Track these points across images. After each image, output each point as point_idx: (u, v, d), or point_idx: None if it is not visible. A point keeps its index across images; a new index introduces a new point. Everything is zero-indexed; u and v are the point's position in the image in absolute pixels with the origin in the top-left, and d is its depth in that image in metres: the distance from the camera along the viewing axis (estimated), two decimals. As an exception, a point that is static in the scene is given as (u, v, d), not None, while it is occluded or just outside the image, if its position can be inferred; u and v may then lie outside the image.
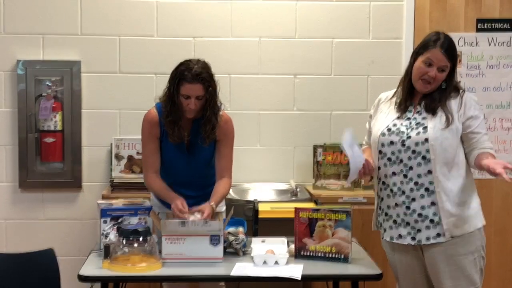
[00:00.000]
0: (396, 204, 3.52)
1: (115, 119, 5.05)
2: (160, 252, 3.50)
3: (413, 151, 3.45)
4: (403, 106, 3.56)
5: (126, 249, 3.43)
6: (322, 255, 3.55)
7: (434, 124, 3.44)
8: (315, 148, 4.97)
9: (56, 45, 5.00)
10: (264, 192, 4.84)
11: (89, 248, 3.84)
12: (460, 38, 5.11)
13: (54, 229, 5.04)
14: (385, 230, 3.57)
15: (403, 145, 3.48)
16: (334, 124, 5.13)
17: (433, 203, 3.43)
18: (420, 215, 3.45)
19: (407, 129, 3.49)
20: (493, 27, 5.13)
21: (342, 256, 3.52)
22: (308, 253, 3.58)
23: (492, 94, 5.14)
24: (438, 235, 3.42)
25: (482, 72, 5.13)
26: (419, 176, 3.44)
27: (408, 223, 3.48)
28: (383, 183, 3.57)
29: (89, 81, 5.03)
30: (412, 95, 3.57)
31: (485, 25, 5.13)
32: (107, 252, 3.44)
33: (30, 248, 4.08)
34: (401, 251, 3.56)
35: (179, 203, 3.66)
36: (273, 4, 5.09)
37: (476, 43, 5.14)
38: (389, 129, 3.54)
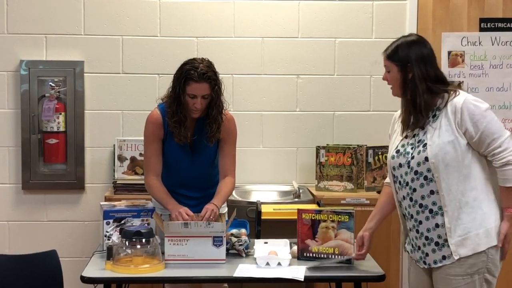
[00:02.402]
0: (410, 229, 3.39)
1: (118, 120, 5.05)
2: (162, 253, 3.50)
3: (415, 172, 3.26)
4: (405, 124, 3.37)
5: (128, 251, 3.44)
6: (325, 256, 3.55)
7: (433, 140, 3.22)
8: (317, 149, 4.97)
9: (59, 45, 5.01)
10: (267, 193, 4.84)
11: (92, 250, 3.85)
12: (463, 38, 5.11)
13: (57, 231, 5.04)
14: (411, 250, 3.46)
15: (408, 166, 3.29)
16: (337, 124, 5.13)
17: (437, 225, 3.26)
18: (426, 238, 3.29)
19: (412, 149, 3.30)
20: (496, 26, 5.12)
21: (345, 258, 3.52)
22: (310, 254, 3.58)
23: (495, 94, 5.13)
24: (444, 257, 3.25)
25: (485, 72, 5.12)
26: (422, 197, 3.26)
27: (419, 247, 3.35)
28: (400, 206, 3.43)
29: (92, 81, 5.03)
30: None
31: (488, 24, 5.12)
32: (110, 254, 3.45)
33: (33, 250, 4.10)
34: (415, 265, 3.44)
35: (183, 212, 3.66)
36: (276, 4, 5.09)
37: (479, 43, 5.12)
38: (397, 151, 3.36)
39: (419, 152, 3.25)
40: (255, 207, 4.27)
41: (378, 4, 5.12)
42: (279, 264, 3.46)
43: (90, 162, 5.05)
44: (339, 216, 3.54)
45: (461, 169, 3.21)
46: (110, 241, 3.56)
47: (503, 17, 5.11)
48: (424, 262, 3.34)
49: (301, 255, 3.59)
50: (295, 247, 3.64)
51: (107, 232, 3.64)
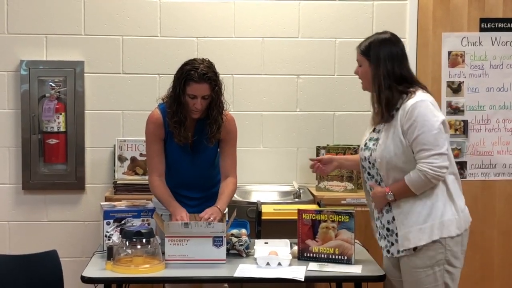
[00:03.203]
0: (377, 218, 3.54)
1: (118, 120, 5.05)
2: (163, 253, 3.51)
3: (374, 168, 3.46)
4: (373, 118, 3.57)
5: (129, 251, 3.44)
6: (325, 256, 3.55)
7: (383, 140, 3.39)
8: (318, 149, 4.97)
9: (59, 45, 5.01)
10: (267, 193, 4.84)
11: (92, 250, 3.84)
12: (463, 38, 5.10)
13: (57, 231, 5.04)
14: (378, 238, 3.60)
15: (369, 162, 3.48)
16: (337, 125, 5.12)
17: (394, 219, 3.40)
18: (388, 229, 3.45)
19: (373, 145, 3.46)
20: (496, 26, 5.12)
21: (345, 258, 3.53)
22: (311, 255, 3.58)
23: (496, 95, 5.13)
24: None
25: (485, 72, 5.12)
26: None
27: (385, 237, 3.49)
28: (369, 194, 3.58)
29: (92, 81, 5.03)
30: None
31: (488, 24, 5.12)
32: (110, 254, 3.45)
33: (34, 250, 4.10)
34: (387, 259, 3.57)
35: (184, 216, 3.65)
36: (276, 4, 5.09)
37: (480, 43, 5.12)
38: (365, 144, 3.53)
39: (374, 151, 3.42)
40: (256, 207, 4.27)
41: (378, 4, 5.11)
42: (279, 264, 3.46)
43: (90, 162, 5.05)
44: (340, 217, 3.55)
45: (405, 171, 3.33)
46: (111, 241, 3.56)
47: (503, 17, 5.11)
48: (388, 251, 3.48)
49: (301, 255, 3.60)
50: (295, 247, 3.65)
51: (107, 232, 3.64)
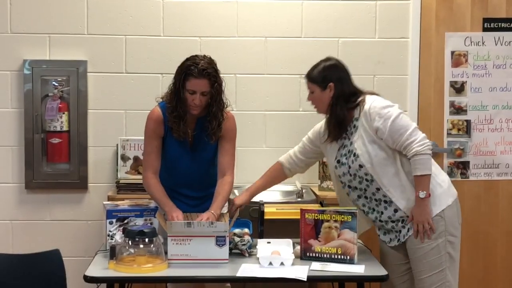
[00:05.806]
0: (373, 221, 3.76)
1: (121, 120, 5.04)
2: (165, 253, 3.51)
3: (358, 177, 3.69)
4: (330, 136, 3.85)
5: (132, 250, 3.45)
6: (328, 256, 3.56)
7: (361, 149, 3.65)
8: (320, 148, 4.96)
9: (62, 45, 5.01)
10: (270, 193, 4.81)
11: (95, 249, 3.85)
12: (466, 38, 5.10)
13: (60, 230, 5.04)
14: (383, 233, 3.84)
15: (350, 175, 3.72)
16: (340, 124, 5.12)
17: (395, 210, 3.67)
18: (393, 221, 3.68)
19: (346, 159, 3.73)
20: (499, 26, 5.11)
21: (348, 257, 3.53)
22: (313, 254, 3.58)
23: (499, 94, 5.12)
24: (410, 229, 3.66)
25: (488, 72, 5.11)
26: (373, 194, 3.70)
27: (389, 231, 3.73)
28: (356, 205, 3.78)
29: (95, 81, 5.03)
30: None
31: (491, 24, 5.11)
32: (113, 253, 3.46)
33: (36, 249, 4.11)
34: (387, 247, 3.84)
35: (175, 217, 3.65)
36: (279, 4, 5.09)
37: (483, 43, 5.12)
38: (338, 161, 3.79)
39: (352, 162, 3.67)
40: (258, 207, 4.27)
41: (381, 4, 5.11)
42: (282, 264, 3.46)
43: (93, 161, 5.05)
44: (342, 216, 3.56)
45: (395, 163, 3.64)
46: (113, 240, 3.57)
47: (507, 17, 5.10)
48: (398, 240, 3.70)
49: (304, 255, 3.61)
50: (298, 247, 3.65)
51: (110, 231, 3.65)
